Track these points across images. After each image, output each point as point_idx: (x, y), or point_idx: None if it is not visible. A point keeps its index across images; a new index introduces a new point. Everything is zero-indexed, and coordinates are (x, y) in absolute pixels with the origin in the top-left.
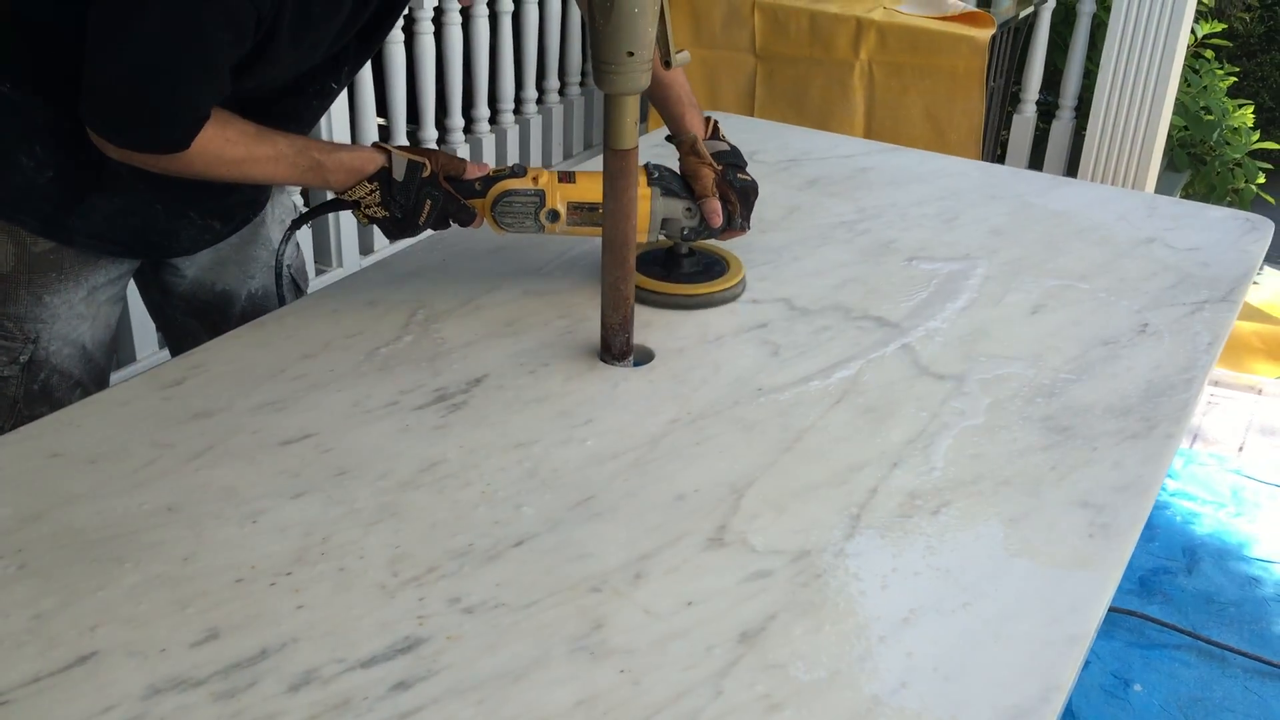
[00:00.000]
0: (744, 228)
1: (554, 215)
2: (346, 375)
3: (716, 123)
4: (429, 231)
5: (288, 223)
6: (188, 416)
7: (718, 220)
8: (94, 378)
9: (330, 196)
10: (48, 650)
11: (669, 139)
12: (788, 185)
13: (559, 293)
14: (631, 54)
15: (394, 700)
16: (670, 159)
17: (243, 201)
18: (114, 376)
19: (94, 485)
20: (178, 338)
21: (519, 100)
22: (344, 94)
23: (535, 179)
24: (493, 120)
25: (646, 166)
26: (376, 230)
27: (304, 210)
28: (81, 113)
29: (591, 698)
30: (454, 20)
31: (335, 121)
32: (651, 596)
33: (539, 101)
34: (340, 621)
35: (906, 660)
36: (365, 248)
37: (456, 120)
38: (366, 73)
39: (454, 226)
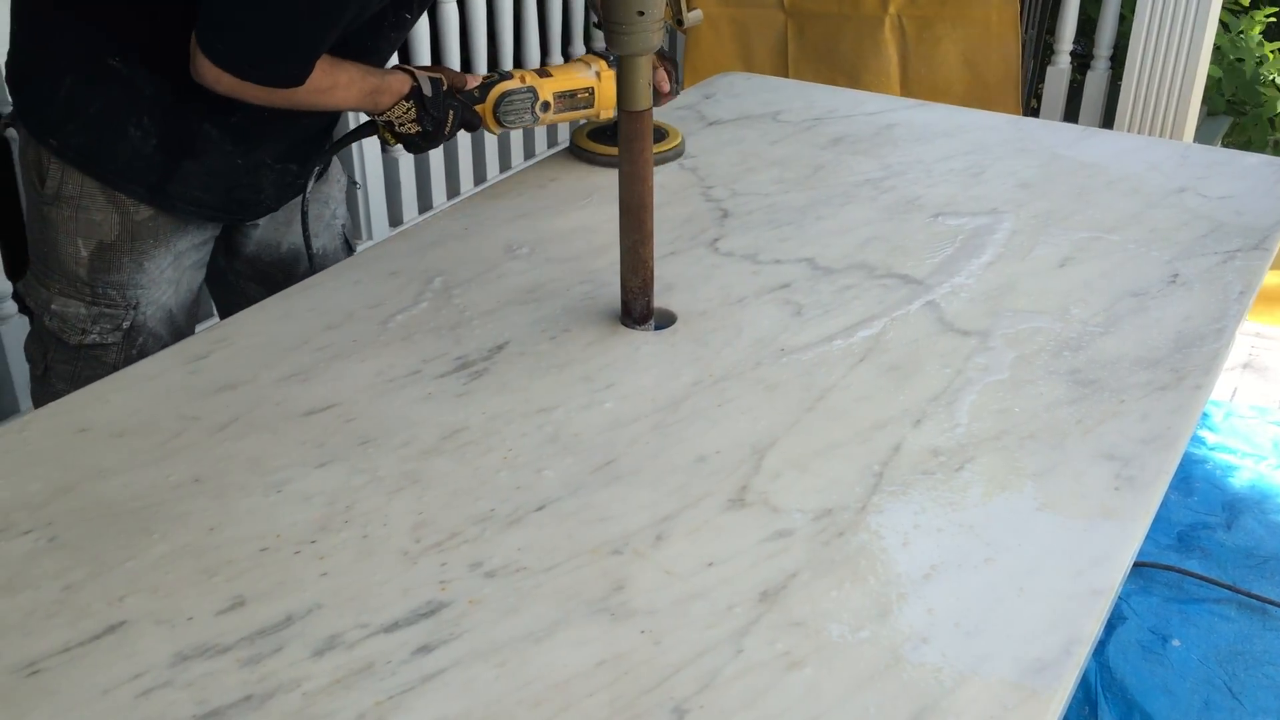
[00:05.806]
0: (676, 92)
1: (545, 106)
2: (369, 345)
3: None
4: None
5: (344, 182)
6: (213, 389)
7: (667, 85)
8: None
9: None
10: (78, 620)
11: (596, 25)
12: (812, 144)
13: (580, 259)
14: (642, 13)
15: (417, 663)
16: None
17: (308, 137)
18: None
19: (122, 459)
20: (239, 308)
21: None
22: (428, 50)
23: (522, 79)
24: None
25: (602, 53)
26: (404, 201)
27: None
28: (205, 46)
29: (613, 658)
30: None
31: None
32: (672, 557)
33: None
34: (363, 587)
35: (927, 616)
36: (395, 219)
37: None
38: (453, 20)
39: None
